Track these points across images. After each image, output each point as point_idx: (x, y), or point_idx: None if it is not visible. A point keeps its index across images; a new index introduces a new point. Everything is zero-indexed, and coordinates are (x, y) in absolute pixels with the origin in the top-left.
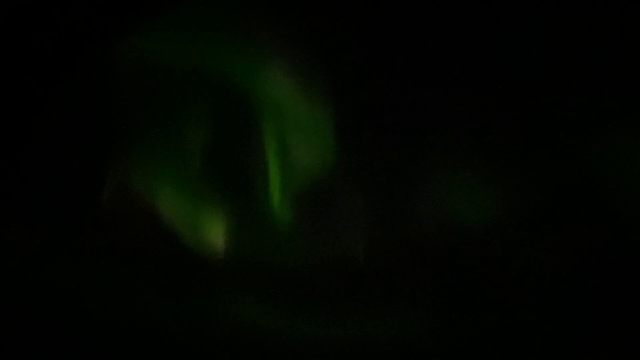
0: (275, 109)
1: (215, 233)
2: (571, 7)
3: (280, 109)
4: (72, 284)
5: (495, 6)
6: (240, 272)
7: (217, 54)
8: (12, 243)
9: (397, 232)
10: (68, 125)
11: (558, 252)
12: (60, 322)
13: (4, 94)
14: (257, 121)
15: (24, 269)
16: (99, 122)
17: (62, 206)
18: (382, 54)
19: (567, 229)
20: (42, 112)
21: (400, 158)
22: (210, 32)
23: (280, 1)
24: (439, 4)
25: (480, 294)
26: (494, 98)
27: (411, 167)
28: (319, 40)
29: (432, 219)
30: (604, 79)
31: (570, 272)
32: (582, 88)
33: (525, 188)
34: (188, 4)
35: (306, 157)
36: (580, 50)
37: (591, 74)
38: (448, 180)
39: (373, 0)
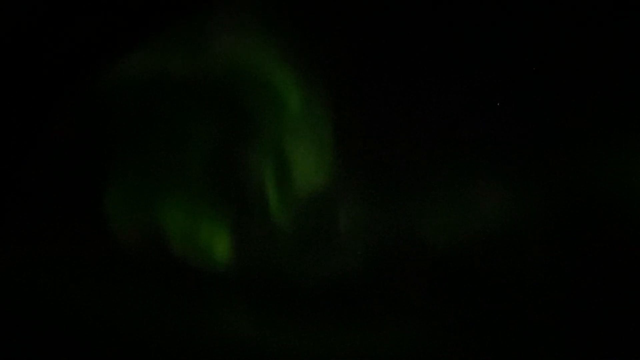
0: (275, 120)
1: (214, 244)
2: (585, 21)
3: (280, 120)
4: (72, 294)
5: (509, 14)
6: (240, 283)
7: (219, 67)
8: (12, 251)
9: (398, 243)
10: (70, 136)
11: (562, 265)
12: (60, 332)
13: (11, 102)
14: (257, 132)
15: (24, 278)
16: (100, 133)
17: (63, 216)
18: (385, 63)
19: (572, 242)
20: (46, 123)
21: (401, 167)
22: (211, 45)
23: (281, 14)
24: (447, 8)
25: (481, 306)
26: (499, 105)
27: (413, 177)
28: (321, 52)
29: (434, 229)
30: (617, 90)
31: (575, 286)
32: (593, 97)
33: (530, 199)
34: (189, 19)
35: (306, 168)
36: (590, 62)
37: (604, 85)
38: (450, 189)
39: (377, 6)
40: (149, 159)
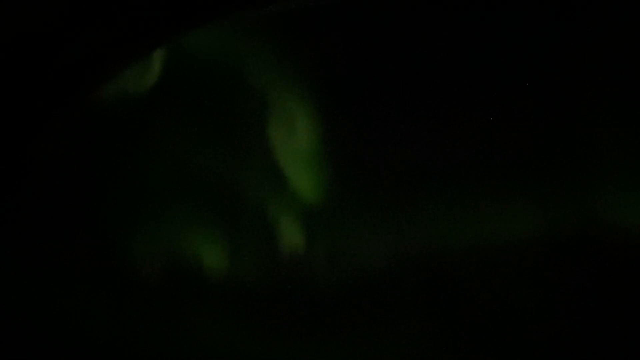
0: (273, 133)
1: (214, 259)
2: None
3: (277, 133)
4: (66, 303)
5: (504, 27)
6: (237, 297)
7: (218, 82)
8: (9, 266)
9: (396, 255)
10: (65, 150)
11: (562, 279)
12: (54, 344)
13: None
14: (253, 145)
15: (21, 294)
16: (96, 146)
17: (60, 225)
18: (383, 75)
19: (570, 256)
20: (43, 136)
21: (399, 179)
22: (211, 59)
23: (281, 32)
24: (444, 24)
25: (482, 319)
26: (498, 115)
27: (411, 190)
28: (320, 65)
29: (433, 241)
30: (616, 107)
31: (575, 298)
32: (591, 111)
33: (527, 213)
34: (188, 33)
35: (303, 181)
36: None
37: (602, 102)
38: (447, 203)
39: (376, 19)
40: (147, 171)
